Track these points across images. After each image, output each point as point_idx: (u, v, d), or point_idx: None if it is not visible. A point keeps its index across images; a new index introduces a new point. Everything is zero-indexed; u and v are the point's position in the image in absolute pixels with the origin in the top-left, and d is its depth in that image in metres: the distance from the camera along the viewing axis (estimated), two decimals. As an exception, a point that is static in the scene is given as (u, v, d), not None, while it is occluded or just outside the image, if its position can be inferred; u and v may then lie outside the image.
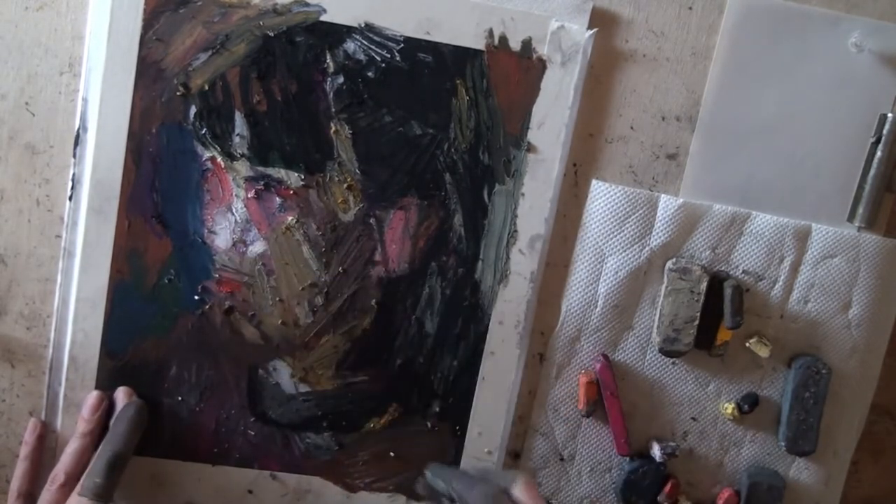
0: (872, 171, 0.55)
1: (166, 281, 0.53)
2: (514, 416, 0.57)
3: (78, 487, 0.48)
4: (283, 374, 0.55)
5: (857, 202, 0.56)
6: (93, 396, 0.52)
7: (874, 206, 0.55)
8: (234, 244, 0.53)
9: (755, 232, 0.55)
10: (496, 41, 0.52)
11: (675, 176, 0.55)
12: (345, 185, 0.53)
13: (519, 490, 0.47)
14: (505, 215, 0.54)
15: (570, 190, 0.55)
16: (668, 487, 0.57)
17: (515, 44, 0.52)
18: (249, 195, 0.53)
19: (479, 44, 0.52)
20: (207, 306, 0.53)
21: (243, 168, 0.52)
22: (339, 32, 0.51)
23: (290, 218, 0.53)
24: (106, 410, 0.53)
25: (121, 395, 0.53)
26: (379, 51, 0.52)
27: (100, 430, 0.52)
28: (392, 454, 0.57)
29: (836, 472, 0.60)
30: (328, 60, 0.51)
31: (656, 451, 0.56)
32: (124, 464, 0.50)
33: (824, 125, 0.55)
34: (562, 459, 0.58)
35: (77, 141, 0.51)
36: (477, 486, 0.47)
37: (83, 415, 0.52)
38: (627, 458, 0.57)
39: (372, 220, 0.54)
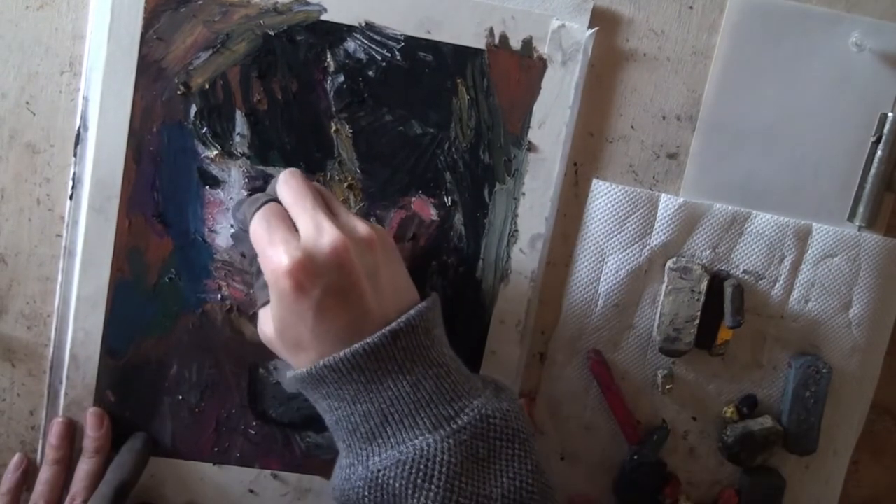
0: (873, 171, 0.55)
1: (167, 280, 0.53)
2: (515, 415, 0.57)
3: None
4: (283, 374, 0.55)
5: (858, 201, 0.56)
6: (60, 424, 0.52)
7: (874, 206, 0.55)
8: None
9: (755, 231, 0.55)
10: (497, 40, 0.52)
11: (676, 175, 0.55)
12: (345, 185, 0.53)
13: (280, 185, 0.46)
14: (505, 214, 0.54)
15: (571, 189, 0.55)
16: (668, 487, 0.57)
17: (516, 43, 0.52)
18: (250, 194, 0.53)
19: (479, 43, 0.52)
20: (208, 305, 0.53)
21: (244, 167, 0.52)
22: (340, 31, 0.51)
23: (290, 217, 0.53)
24: (73, 436, 0.52)
25: (90, 418, 0.52)
26: (379, 50, 0.52)
27: (70, 455, 0.52)
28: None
29: (836, 471, 0.60)
30: (328, 59, 0.51)
31: None
32: (129, 492, 0.51)
33: (824, 124, 0.55)
34: (562, 459, 0.58)
35: (78, 140, 0.51)
36: (247, 204, 0.47)
37: (51, 442, 0.52)
38: (627, 459, 0.57)
39: (372, 219, 0.54)
